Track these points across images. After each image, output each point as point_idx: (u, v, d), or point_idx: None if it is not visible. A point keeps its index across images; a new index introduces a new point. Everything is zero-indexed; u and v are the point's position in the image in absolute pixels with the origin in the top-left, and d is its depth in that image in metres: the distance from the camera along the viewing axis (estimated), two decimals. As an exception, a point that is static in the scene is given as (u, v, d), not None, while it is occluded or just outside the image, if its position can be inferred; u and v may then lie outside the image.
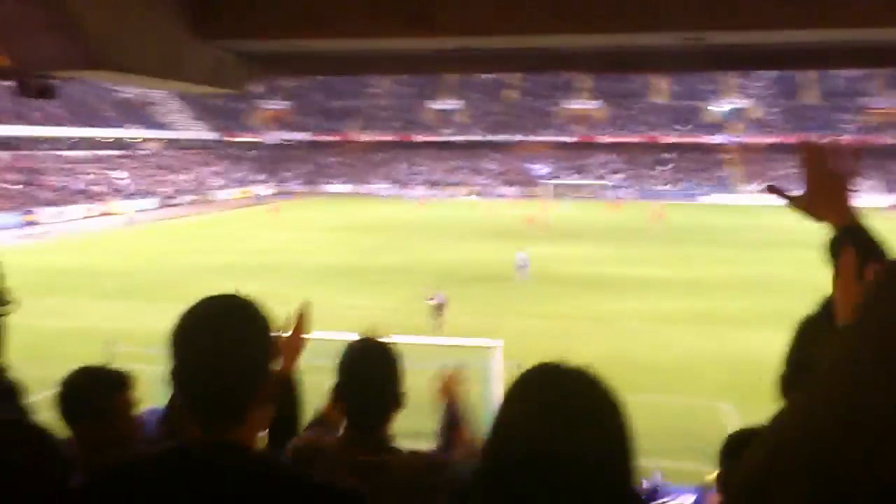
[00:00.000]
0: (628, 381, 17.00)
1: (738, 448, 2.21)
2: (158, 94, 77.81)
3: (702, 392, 15.46)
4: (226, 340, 1.39)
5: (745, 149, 74.76)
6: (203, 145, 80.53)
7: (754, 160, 74.05)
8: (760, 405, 1.42)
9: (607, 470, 1.13)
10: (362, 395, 2.20)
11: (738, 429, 2.38)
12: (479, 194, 68.31)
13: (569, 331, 20.82)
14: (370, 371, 2.23)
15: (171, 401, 2.32)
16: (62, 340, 18.26)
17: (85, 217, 52.08)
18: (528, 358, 1.32)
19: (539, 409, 1.14)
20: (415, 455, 2.23)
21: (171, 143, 76.18)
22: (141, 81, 3.59)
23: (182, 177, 69.83)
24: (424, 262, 32.61)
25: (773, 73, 78.05)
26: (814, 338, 1.51)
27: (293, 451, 2.22)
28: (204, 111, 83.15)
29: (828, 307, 1.45)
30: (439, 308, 20.13)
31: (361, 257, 34.00)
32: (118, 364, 2.46)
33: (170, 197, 63.47)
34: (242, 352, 1.41)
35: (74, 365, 2.39)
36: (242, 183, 74.39)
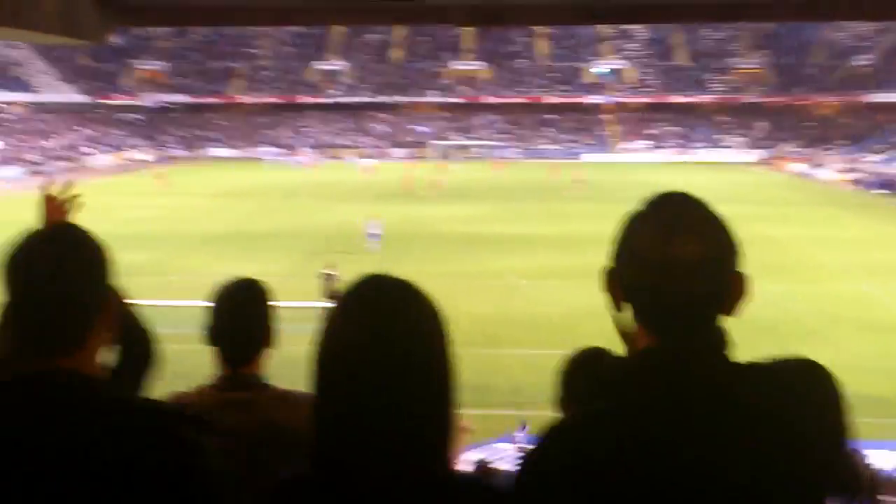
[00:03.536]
0: (509, 336, 17.57)
1: (575, 368, 2.12)
2: (21, 55, 72.21)
3: (580, 343, 16.12)
4: (56, 264, 1.34)
5: (623, 108, 77.44)
6: (74, 108, 75.64)
7: (631, 119, 76.91)
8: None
9: (423, 369, 1.20)
10: (230, 331, 2.18)
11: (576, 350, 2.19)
12: (366, 156, 67.70)
13: (451, 289, 21.16)
14: (237, 307, 2.19)
15: None
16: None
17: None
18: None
19: (356, 311, 1.21)
20: (281, 392, 2.20)
21: (38, 107, 71.11)
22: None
23: (51, 143, 65.56)
24: (312, 226, 32.22)
25: (647, 36, 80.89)
26: None
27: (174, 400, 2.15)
28: (72, 72, 77.79)
29: None
30: (329, 280, 19.86)
31: (248, 223, 33.20)
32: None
33: (38, 164, 59.53)
34: (74, 274, 1.34)
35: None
36: (119, 148, 70.57)
